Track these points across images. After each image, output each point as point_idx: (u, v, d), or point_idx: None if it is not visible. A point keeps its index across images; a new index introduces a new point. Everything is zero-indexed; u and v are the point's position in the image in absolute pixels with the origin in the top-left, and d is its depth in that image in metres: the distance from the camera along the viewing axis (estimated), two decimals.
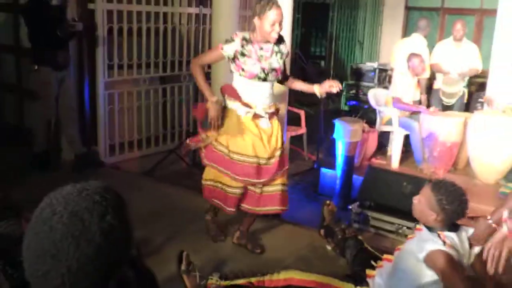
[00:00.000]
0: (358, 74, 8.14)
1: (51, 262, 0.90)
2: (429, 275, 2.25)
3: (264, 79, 3.18)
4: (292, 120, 5.70)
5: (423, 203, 2.38)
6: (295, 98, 7.02)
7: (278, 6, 3.08)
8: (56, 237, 0.90)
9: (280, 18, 3.07)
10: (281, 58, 3.26)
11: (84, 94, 5.11)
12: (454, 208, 2.30)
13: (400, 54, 6.15)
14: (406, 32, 8.87)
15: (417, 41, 6.30)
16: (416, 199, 2.44)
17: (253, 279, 2.80)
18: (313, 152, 5.67)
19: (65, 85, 4.79)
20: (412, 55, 5.56)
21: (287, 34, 4.42)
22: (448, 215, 2.31)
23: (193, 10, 5.78)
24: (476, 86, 6.88)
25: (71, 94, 4.93)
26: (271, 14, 3.03)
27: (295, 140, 5.78)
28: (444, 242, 2.24)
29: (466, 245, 2.37)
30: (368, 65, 8.25)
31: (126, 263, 1.05)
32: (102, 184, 1.00)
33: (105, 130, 5.23)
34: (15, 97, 5.69)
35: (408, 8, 8.88)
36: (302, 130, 5.82)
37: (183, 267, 2.87)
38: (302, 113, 5.87)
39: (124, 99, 5.39)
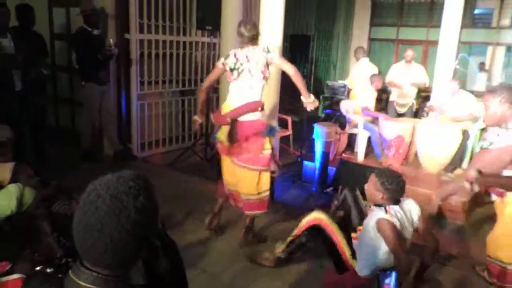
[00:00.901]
0: (332, 89, 8.12)
1: (97, 234, 0.89)
2: (384, 246, 2.23)
3: None
4: (281, 124, 5.67)
5: (371, 187, 2.38)
6: (283, 107, 6.99)
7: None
8: (101, 214, 0.89)
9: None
10: None
11: (121, 103, 5.11)
12: (394, 187, 2.31)
13: (359, 73, 6.18)
14: (369, 57, 8.84)
15: (365, 63, 6.33)
16: (366, 186, 2.44)
17: (295, 231, 2.74)
18: (297, 149, 5.64)
19: (106, 97, 4.79)
20: (374, 75, 5.56)
21: None
22: (391, 193, 2.32)
23: (206, 39, 5.77)
24: (422, 98, 6.88)
25: (110, 104, 4.92)
26: None
27: (284, 140, 5.78)
28: (387, 211, 2.26)
29: (409, 214, 2.36)
30: (340, 83, 8.22)
31: (155, 235, 1.03)
32: (134, 173, 0.98)
33: (137, 132, 5.21)
34: (68, 107, 5.67)
35: (370, 39, 8.87)
36: (289, 132, 5.81)
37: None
38: (289, 119, 5.86)
39: (152, 108, 5.37)
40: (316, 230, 2.64)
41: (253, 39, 2.99)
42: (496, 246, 2.64)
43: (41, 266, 1.01)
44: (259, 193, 3.06)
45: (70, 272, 0.96)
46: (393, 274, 1.45)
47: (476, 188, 1.87)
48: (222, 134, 3.06)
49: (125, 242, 0.91)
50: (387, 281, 1.41)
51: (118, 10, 4.87)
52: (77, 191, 2.18)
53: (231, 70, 2.99)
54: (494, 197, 2.69)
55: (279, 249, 2.84)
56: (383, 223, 2.22)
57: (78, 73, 4.80)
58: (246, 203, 3.09)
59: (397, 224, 2.23)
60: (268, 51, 2.97)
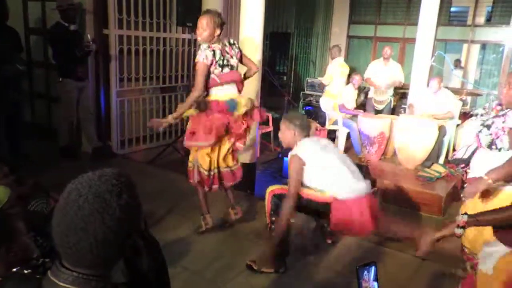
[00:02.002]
0: (312, 86, 8.15)
1: (81, 234, 0.87)
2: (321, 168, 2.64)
3: None
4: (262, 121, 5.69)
5: (284, 129, 2.73)
6: (265, 103, 6.99)
7: (200, 15, 2.98)
8: (84, 213, 0.87)
9: (203, 23, 2.91)
10: None
11: (100, 100, 5.01)
12: (301, 122, 2.69)
13: (333, 72, 6.24)
14: (348, 54, 8.93)
15: (339, 62, 6.39)
16: (280, 133, 2.79)
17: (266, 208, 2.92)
18: (278, 145, 5.66)
19: (84, 93, 4.69)
20: (355, 73, 5.64)
21: (258, 56, 4.39)
22: (300, 128, 2.68)
23: (186, 36, 5.72)
24: (400, 95, 6.98)
25: (89, 101, 4.81)
26: (202, 19, 2.95)
27: (265, 136, 5.78)
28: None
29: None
30: (319, 79, 8.28)
31: (137, 232, 1.01)
32: (116, 171, 0.96)
33: (117, 128, 5.13)
34: (44, 103, 5.53)
35: (349, 37, 8.94)
36: (270, 128, 5.81)
37: None
38: (270, 115, 5.86)
39: (132, 105, 5.29)
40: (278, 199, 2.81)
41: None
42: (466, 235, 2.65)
43: (18, 267, 0.98)
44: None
45: (49, 273, 0.93)
46: (372, 269, 1.45)
47: (462, 234, 1.80)
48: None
49: (109, 241, 0.89)
50: (365, 276, 1.41)
51: (96, 5, 4.77)
52: (55, 189, 2.12)
53: (220, 66, 2.94)
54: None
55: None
56: (291, 158, 2.62)
57: (55, 69, 4.70)
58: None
59: (305, 155, 2.58)
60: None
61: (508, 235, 1.78)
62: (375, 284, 1.40)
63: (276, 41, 8.61)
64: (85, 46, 4.44)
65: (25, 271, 0.97)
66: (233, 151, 3.21)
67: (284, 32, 8.65)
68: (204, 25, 2.90)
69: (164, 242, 2.83)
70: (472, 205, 2.40)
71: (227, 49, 2.99)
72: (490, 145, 2.20)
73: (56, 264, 0.93)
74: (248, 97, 3.16)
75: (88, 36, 4.50)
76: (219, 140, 3.04)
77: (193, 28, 5.22)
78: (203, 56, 2.87)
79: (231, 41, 3.08)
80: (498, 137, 2.14)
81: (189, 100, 2.95)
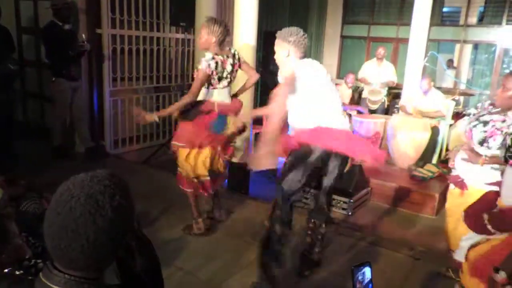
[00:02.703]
0: None
1: (72, 235, 0.86)
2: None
3: None
4: (256, 120, 5.67)
5: (277, 50, 2.48)
6: (258, 103, 6.98)
7: (203, 23, 2.98)
8: (76, 215, 0.86)
9: (201, 32, 2.97)
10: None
11: (93, 100, 4.98)
12: (296, 38, 2.43)
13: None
14: (341, 54, 8.96)
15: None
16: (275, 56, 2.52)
17: None
18: None
19: (77, 93, 4.66)
20: (349, 73, 5.66)
21: (251, 55, 4.39)
22: (295, 46, 2.42)
23: (180, 35, 5.70)
24: (393, 95, 7.01)
25: (83, 100, 4.79)
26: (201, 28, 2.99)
27: (258, 137, 5.77)
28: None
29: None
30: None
31: (130, 233, 1.00)
32: (109, 171, 0.95)
33: (110, 128, 5.11)
34: (37, 102, 5.49)
35: (342, 37, 8.97)
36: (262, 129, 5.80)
37: None
38: (263, 115, 5.84)
39: (126, 104, 5.26)
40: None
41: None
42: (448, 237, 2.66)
43: (10, 268, 0.97)
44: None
45: (41, 275, 0.92)
46: (367, 269, 1.45)
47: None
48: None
49: (101, 243, 0.88)
50: (359, 277, 1.40)
51: (89, 4, 4.75)
52: (47, 189, 2.10)
53: (219, 78, 2.96)
54: (452, 186, 2.60)
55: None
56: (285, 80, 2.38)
57: (47, 68, 4.66)
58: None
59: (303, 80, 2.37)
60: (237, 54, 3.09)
61: (476, 222, 1.84)
62: (370, 284, 1.40)
63: (270, 41, 8.58)
64: (79, 46, 4.41)
65: (17, 272, 0.96)
66: (220, 157, 3.14)
67: (278, 31, 8.64)
68: (201, 33, 2.95)
69: (158, 242, 2.82)
70: (453, 198, 2.45)
71: (230, 61, 3.00)
72: (482, 142, 2.20)
73: (48, 266, 0.92)
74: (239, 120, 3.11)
75: (83, 36, 4.47)
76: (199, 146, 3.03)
77: (187, 28, 5.23)
78: (206, 65, 2.87)
79: (233, 51, 3.08)
80: (491, 136, 2.14)
81: (180, 103, 2.94)
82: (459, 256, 2.11)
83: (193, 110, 2.96)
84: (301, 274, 2.75)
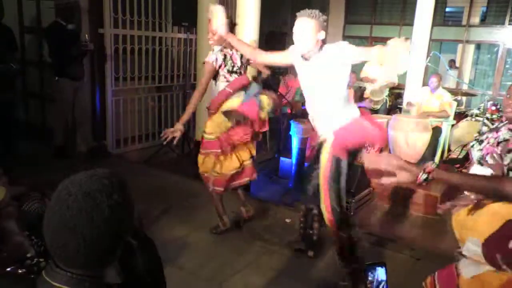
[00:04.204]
0: None
1: (69, 233, 0.86)
2: None
3: None
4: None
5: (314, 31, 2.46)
6: None
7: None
8: (73, 213, 0.86)
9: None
10: None
11: (95, 100, 4.99)
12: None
13: None
14: None
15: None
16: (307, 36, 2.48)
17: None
18: (274, 145, 5.66)
19: (80, 93, 4.67)
20: (350, 72, 5.63)
21: None
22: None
23: (182, 35, 5.71)
24: (395, 96, 7.01)
25: (85, 100, 4.80)
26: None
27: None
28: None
29: None
30: None
31: (130, 233, 1.01)
32: (108, 170, 0.96)
33: (112, 128, 5.12)
34: (39, 102, 5.50)
35: (345, 37, 8.96)
36: (266, 128, 5.78)
37: None
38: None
39: (128, 104, 5.28)
40: None
41: None
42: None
43: (12, 267, 0.98)
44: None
45: (43, 273, 0.92)
46: (377, 270, 1.44)
47: (423, 181, 1.60)
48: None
49: (99, 241, 0.88)
50: (370, 277, 1.40)
51: (91, 3, 4.76)
52: (49, 189, 2.11)
53: (229, 72, 2.99)
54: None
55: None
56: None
57: (50, 68, 4.67)
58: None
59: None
60: None
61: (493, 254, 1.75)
62: (384, 282, 1.38)
63: (271, 41, 8.61)
64: (82, 45, 4.42)
65: (20, 271, 0.97)
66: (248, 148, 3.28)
67: (279, 31, 8.64)
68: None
69: (160, 242, 2.81)
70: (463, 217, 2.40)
71: (236, 55, 3.02)
72: (480, 161, 2.18)
73: (50, 264, 0.92)
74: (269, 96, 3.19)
75: (86, 36, 4.48)
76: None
77: (189, 28, 5.24)
78: (213, 58, 2.91)
79: None
80: (488, 154, 2.11)
81: (192, 102, 2.98)
82: (465, 269, 2.04)
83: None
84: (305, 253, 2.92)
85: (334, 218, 2.45)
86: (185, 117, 2.99)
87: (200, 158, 3.14)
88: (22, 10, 5.26)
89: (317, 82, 2.48)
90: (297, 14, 2.43)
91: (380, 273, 1.37)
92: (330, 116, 2.49)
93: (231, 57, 2.99)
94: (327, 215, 2.47)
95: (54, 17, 4.43)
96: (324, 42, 2.45)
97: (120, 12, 4.90)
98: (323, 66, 2.43)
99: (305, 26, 2.39)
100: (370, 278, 1.34)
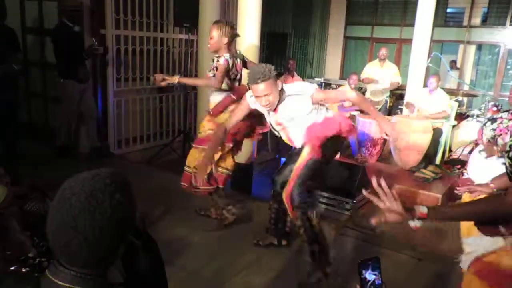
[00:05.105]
0: None
1: (71, 232, 0.86)
2: None
3: None
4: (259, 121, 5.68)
5: (272, 89, 2.50)
6: None
7: (213, 24, 3.09)
8: (75, 212, 0.87)
9: (212, 33, 3.05)
10: (210, 70, 3.18)
11: (97, 100, 4.99)
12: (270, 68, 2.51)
13: None
14: (345, 55, 8.96)
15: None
16: (269, 98, 2.52)
17: None
18: (274, 146, 5.65)
19: (86, 94, 4.68)
20: (352, 74, 5.66)
21: (255, 56, 4.40)
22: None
23: (183, 36, 5.71)
24: (396, 96, 7.01)
25: (92, 101, 4.80)
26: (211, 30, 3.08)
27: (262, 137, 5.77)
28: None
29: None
30: (316, 80, 8.30)
31: (133, 232, 1.01)
32: (111, 170, 0.96)
33: (114, 129, 5.13)
34: (41, 102, 5.51)
35: (346, 37, 8.97)
36: (266, 129, 5.78)
37: None
38: None
39: (129, 105, 5.28)
40: None
41: None
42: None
43: (16, 266, 0.98)
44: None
45: (47, 271, 0.93)
46: (371, 265, 1.44)
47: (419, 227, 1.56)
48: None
49: (101, 240, 0.88)
50: (364, 273, 1.39)
51: (93, 4, 4.77)
52: (52, 189, 2.12)
53: (232, 79, 3.17)
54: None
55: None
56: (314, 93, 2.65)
57: (53, 69, 4.68)
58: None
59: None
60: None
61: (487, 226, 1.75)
62: (378, 277, 1.38)
63: (273, 42, 8.62)
64: (93, 49, 4.45)
65: (23, 270, 0.97)
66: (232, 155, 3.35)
67: (281, 32, 8.66)
68: (212, 34, 3.06)
69: (161, 242, 2.81)
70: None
71: (238, 62, 3.19)
72: (489, 139, 2.18)
73: (54, 263, 0.93)
74: None
75: (93, 39, 4.49)
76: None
77: (190, 29, 5.24)
78: (226, 62, 3.06)
79: (238, 52, 3.26)
80: (500, 135, 2.11)
81: (203, 81, 3.24)
82: (464, 265, 2.05)
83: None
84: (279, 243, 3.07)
85: (292, 199, 2.63)
86: (186, 80, 3.24)
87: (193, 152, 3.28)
88: (24, 11, 5.27)
89: (287, 120, 2.69)
90: (251, 81, 2.51)
91: (374, 268, 1.37)
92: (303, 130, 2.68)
93: (235, 65, 3.14)
94: (285, 196, 2.65)
95: (56, 18, 4.43)
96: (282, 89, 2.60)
97: (121, 13, 4.91)
98: (290, 110, 2.62)
99: (264, 89, 2.49)
100: (364, 275, 1.34)
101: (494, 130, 2.12)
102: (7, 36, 4.22)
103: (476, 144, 2.27)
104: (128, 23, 5.03)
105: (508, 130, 2.08)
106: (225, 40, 3.05)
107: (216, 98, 3.20)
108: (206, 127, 3.23)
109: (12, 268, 0.99)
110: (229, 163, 3.31)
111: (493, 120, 2.16)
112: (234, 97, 3.14)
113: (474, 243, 1.99)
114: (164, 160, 4.99)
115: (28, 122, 5.57)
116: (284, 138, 2.83)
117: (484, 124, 2.22)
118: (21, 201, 2.30)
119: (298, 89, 2.60)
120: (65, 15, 4.38)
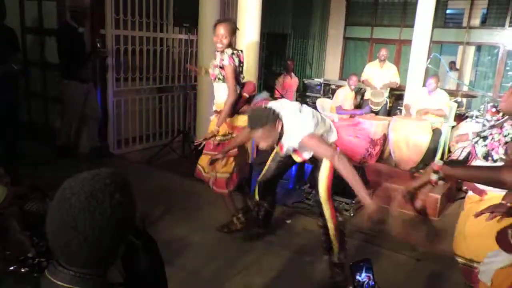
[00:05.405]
0: (308, 87, 8.18)
1: (71, 232, 0.86)
2: None
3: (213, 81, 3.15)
4: None
5: (270, 133, 2.49)
6: None
7: (221, 23, 3.02)
8: (75, 211, 0.86)
9: (220, 33, 2.97)
10: (214, 68, 3.12)
11: (97, 100, 4.98)
12: (270, 112, 2.51)
13: None
14: (344, 56, 8.96)
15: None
16: (263, 143, 2.52)
17: None
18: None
19: (91, 95, 4.68)
20: (352, 75, 5.66)
21: (255, 56, 4.41)
22: (276, 116, 2.50)
23: (183, 36, 5.71)
24: (395, 97, 7.01)
25: (96, 102, 4.79)
26: (216, 29, 3.00)
27: None
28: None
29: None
30: (316, 81, 8.31)
31: (133, 232, 1.01)
32: (111, 170, 0.96)
33: (114, 129, 5.12)
34: (40, 102, 5.50)
35: (345, 38, 8.97)
36: None
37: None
38: None
39: (129, 105, 5.28)
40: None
41: None
42: (465, 244, 2.59)
43: (15, 266, 0.98)
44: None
45: (47, 272, 0.92)
46: (364, 268, 1.44)
47: (437, 181, 1.70)
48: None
49: (100, 240, 0.88)
50: (357, 275, 1.39)
51: (93, 4, 4.76)
52: (51, 189, 2.11)
53: (240, 72, 3.14)
54: (470, 193, 2.61)
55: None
56: (309, 139, 2.54)
57: (56, 70, 4.67)
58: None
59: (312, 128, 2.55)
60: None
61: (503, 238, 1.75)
62: (370, 279, 1.39)
63: (272, 42, 8.62)
64: (101, 52, 4.48)
65: (22, 270, 0.97)
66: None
67: (281, 33, 8.66)
68: (223, 33, 2.98)
69: (161, 242, 2.81)
70: (471, 204, 2.38)
71: (240, 53, 3.13)
72: (486, 157, 2.18)
73: (53, 263, 0.92)
74: None
75: (98, 41, 4.50)
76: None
77: (190, 29, 5.24)
78: (231, 60, 2.98)
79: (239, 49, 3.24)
80: (493, 149, 2.11)
81: (227, 106, 3.03)
82: (484, 277, 2.02)
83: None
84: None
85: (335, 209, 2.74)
86: (221, 121, 3.06)
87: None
88: (24, 10, 5.26)
89: (289, 151, 2.72)
90: (249, 125, 2.52)
91: (367, 270, 1.37)
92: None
93: (238, 57, 3.07)
94: (330, 208, 2.69)
95: (56, 18, 4.42)
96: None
97: (121, 12, 4.90)
98: (289, 147, 2.63)
99: (262, 135, 2.48)
100: (357, 277, 1.34)
101: (486, 146, 2.13)
102: (6, 36, 4.21)
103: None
104: (128, 23, 5.03)
105: (499, 143, 2.08)
106: (234, 38, 3.09)
107: (223, 98, 3.12)
108: (221, 130, 3.12)
109: (12, 268, 0.98)
110: (230, 167, 3.23)
111: (484, 138, 2.17)
112: (247, 95, 3.12)
113: (494, 255, 1.96)
114: (164, 160, 4.99)
115: (28, 122, 5.56)
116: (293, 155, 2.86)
117: (476, 142, 2.22)
118: (21, 201, 2.30)
119: (295, 130, 2.55)
120: (72, 16, 4.37)
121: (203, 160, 3.21)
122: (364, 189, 2.42)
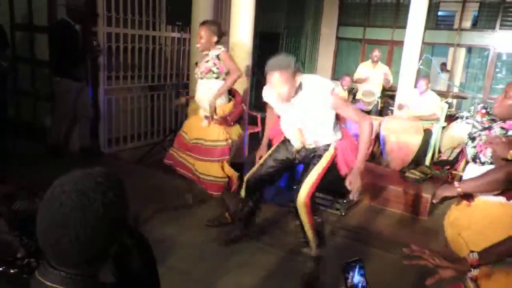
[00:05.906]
0: None
1: (62, 231, 0.85)
2: None
3: (201, 78, 3.16)
4: (251, 121, 5.68)
5: (286, 82, 2.42)
6: (253, 104, 7.00)
7: (202, 25, 3.10)
8: (66, 210, 0.85)
9: (200, 34, 3.06)
10: (207, 62, 3.15)
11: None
12: (291, 60, 2.47)
13: None
14: (336, 56, 8.99)
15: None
16: (280, 90, 2.46)
17: None
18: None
19: (83, 93, 4.62)
20: (345, 75, 5.68)
21: (249, 55, 4.40)
22: (297, 67, 2.48)
23: (175, 34, 5.69)
24: (387, 97, 7.05)
25: (88, 100, 4.74)
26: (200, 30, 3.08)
27: (253, 136, 5.77)
28: None
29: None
30: None
31: (125, 232, 1.00)
32: (104, 169, 0.95)
33: (104, 127, 5.08)
34: (30, 100, 5.43)
35: (338, 38, 8.99)
36: (258, 128, 5.82)
37: None
38: (258, 115, 5.87)
39: (120, 103, 5.24)
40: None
41: None
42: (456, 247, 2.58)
43: (4, 267, 0.96)
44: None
45: (37, 273, 0.91)
46: (357, 267, 1.44)
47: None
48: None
49: (92, 239, 0.87)
50: (349, 275, 1.39)
51: (85, 1, 4.72)
52: (41, 188, 2.09)
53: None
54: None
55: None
56: (333, 96, 2.53)
57: (47, 67, 4.61)
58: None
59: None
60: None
61: None
62: (363, 279, 1.39)
63: (265, 41, 8.62)
64: (97, 50, 4.44)
65: (12, 271, 0.95)
66: None
67: (273, 32, 8.66)
68: (202, 34, 3.08)
69: (152, 241, 2.80)
70: (458, 209, 2.38)
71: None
72: (474, 159, 2.19)
73: (43, 264, 0.91)
74: None
75: (95, 39, 4.47)
76: None
77: (183, 27, 5.22)
78: (225, 51, 3.13)
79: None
80: (481, 151, 2.12)
81: (230, 81, 3.11)
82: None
83: None
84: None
85: (313, 205, 2.69)
86: (218, 94, 3.12)
87: (223, 167, 3.27)
88: (13, 7, 5.20)
89: (302, 118, 2.58)
90: (267, 68, 2.42)
91: (358, 270, 1.37)
92: (318, 137, 2.67)
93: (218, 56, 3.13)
94: (305, 202, 2.63)
95: (46, 15, 4.37)
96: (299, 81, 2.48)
97: (113, 10, 4.86)
98: (307, 106, 2.51)
99: (280, 80, 2.39)
100: (349, 278, 1.34)
101: (475, 147, 2.14)
102: None
103: (467, 162, 2.25)
104: (120, 21, 4.99)
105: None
106: (214, 38, 3.10)
107: (221, 102, 3.17)
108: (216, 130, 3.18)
109: (0, 269, 0.97)
110: (227, 170, 3.30)
111: (473, 139, 2.18)
112: (244, 106, 3.31)
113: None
114: (155, 159, 4.95)
115: (17, 120, 5.49)
116: (295, 137, 2.76)
117: (466, 143, 2.24)
118: (9, 200, 2.26)
119: (317, 84, 2.50)
120: (69, 14, 4.31)
121: (200, 165, 3.22)
122: (364, 160, 2.51)
